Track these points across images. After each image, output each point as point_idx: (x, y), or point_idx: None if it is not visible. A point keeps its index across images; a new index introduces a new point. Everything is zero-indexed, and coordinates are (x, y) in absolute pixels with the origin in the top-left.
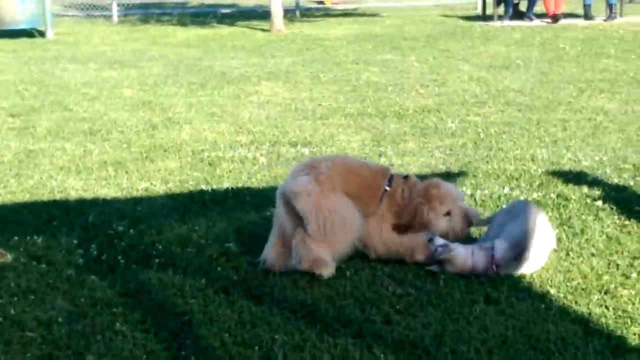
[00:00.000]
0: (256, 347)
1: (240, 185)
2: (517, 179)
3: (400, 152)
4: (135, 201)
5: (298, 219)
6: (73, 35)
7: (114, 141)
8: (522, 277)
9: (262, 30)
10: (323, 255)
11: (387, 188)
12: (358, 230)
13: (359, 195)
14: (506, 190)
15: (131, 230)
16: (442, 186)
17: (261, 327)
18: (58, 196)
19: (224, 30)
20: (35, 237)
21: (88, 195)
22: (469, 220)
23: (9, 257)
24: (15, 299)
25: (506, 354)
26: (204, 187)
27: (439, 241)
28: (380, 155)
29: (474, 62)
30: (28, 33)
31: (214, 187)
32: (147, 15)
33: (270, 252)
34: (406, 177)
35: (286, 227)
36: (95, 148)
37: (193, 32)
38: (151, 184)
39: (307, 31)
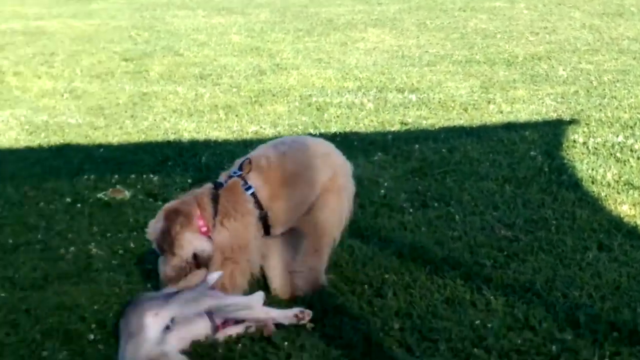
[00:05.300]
0: (365, 286)
1: (347, 129)
2: (631, 127)
3: (509, 100)
4: (246, 144)
5: None
6: None
7: (224, 85)
8: (637, 225)
9: None
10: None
11: None
12: None
13: None
14: (620, 138)
15: None
16: None
17: (371, 267)
18: (172, 137)
19: None
20: (152, 175)
21: (200, 137)
22: None
23: (127, 194)
24: (135, 233)
25: (620, 300)
26: (312, 131)
27: None
28: (489, 102)
29: (586, 9)
30: None
31: (322, 131)
32: None
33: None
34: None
35: None
36: (206, 92)
37: None
38: (261, 127)
39: None
